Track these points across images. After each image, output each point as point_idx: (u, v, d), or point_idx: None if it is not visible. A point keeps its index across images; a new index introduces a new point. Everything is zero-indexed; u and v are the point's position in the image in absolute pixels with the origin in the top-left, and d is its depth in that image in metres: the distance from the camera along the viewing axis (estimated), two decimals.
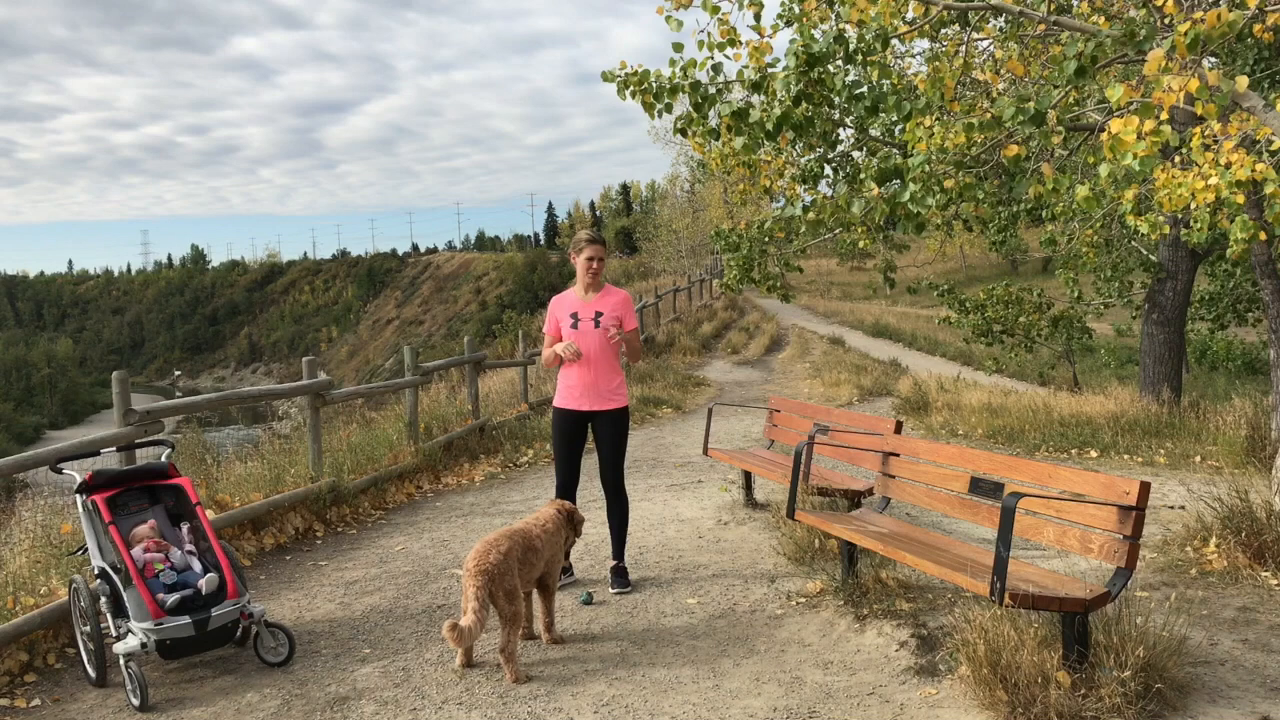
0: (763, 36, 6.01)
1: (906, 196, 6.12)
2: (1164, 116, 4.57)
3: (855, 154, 9.36)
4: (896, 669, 4.37)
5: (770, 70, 6.04)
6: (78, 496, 4.75)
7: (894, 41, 6.43)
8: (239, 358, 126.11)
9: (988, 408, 12.13)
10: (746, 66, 6.06)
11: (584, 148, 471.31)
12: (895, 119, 7.01)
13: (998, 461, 4.75)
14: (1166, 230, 6.60)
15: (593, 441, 5.81)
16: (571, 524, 5.19)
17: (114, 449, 5.39)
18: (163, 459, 5.28)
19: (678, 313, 29.40)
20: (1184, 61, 4.65)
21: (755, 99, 6.45)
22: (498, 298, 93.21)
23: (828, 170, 9.11)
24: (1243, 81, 4.57)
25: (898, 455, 5.49)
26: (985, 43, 8.39)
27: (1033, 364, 19.69)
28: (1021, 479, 4.51)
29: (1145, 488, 3.86)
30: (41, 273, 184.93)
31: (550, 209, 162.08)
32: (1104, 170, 5.02)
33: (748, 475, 7.88)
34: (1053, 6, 6.37)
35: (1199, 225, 6.17)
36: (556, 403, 5.81)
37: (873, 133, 8.40)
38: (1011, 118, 5.61)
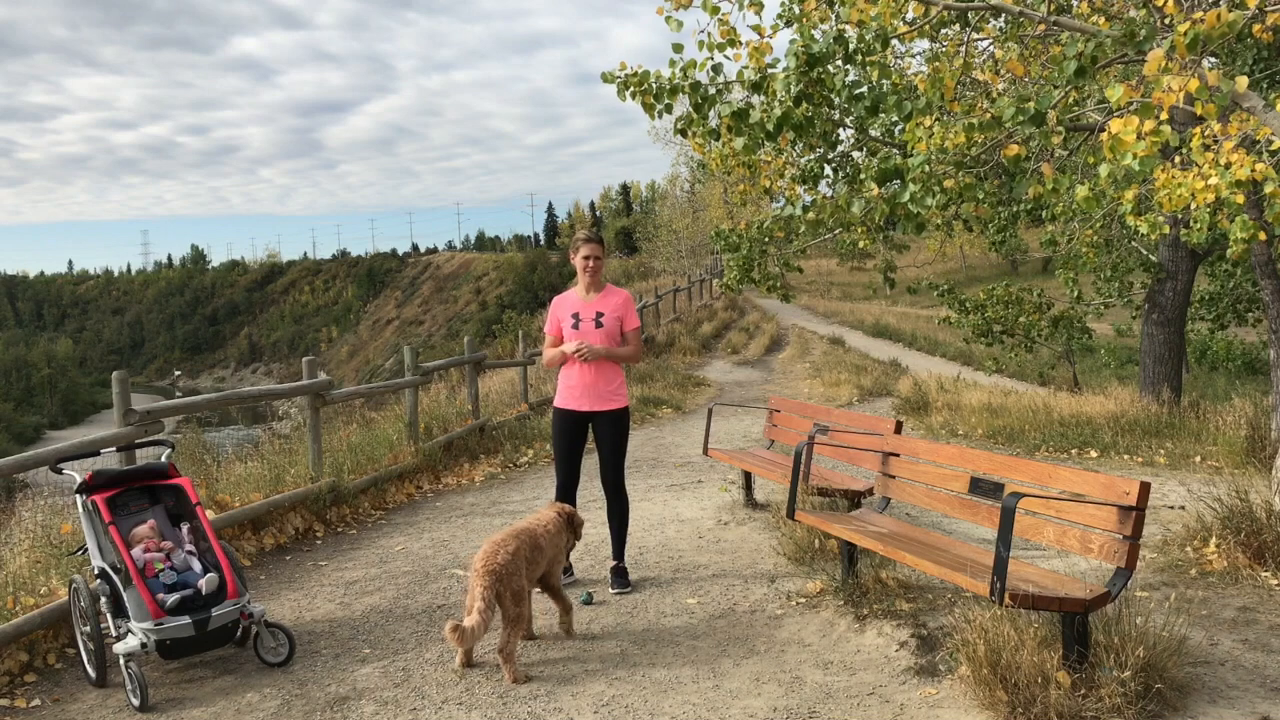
0: (763, 37, 6.01)
1: (906, 196, 6.11)
2: (1164, 116, 4.57)
3: (855, 154, 9.35)
4: (896, 669, 4.37)
5: (770, 70, 6.04)
6: (78, 496, 4.75)
7: (894, 42, 6.43)
8: (239, 358, 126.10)
9: (988, 408, 12.13)
10: (746, 67, 6.06)
11: (584, 148, 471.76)
12: (895, 119, 7.02)
13: (998, 461, 4.75)
14: (1166, 230, 6.60)
15: (593, 442, 5.81)
16: (571, 527, 5.19)
17: (114, 449, 5.39)
18: (163, 459, 5.28)
19: (678, 313, 29.40)
20: (1184, 61, 4.65)
21: (755, 99, 6.45)
22: (498, 298, 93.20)
23: (828, 170, 9.10)
24: (1243, 81, 4.57)
25: (898, 455, 5.49)
26: (985, 43, 8.39)
27: (1033, 364, 19.69)
28: (1021, 479, 4.51)
29: (1145, 488, 3.86)
30: (41, 273, 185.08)
31: (550, 209, 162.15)
32: (1104, 170, 5.02)
33: (748, 475, 7.88)
34: (1053, 6, 6.37)
35: (1199, 225, 6.17)
36: (556, 403, 5.81)
37: (873, 133, 8.39)
38: (1011, 118, 5.61)
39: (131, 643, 4.33)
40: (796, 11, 6.63)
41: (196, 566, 4.72)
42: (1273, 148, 5.20)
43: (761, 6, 6.00)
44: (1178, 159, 5.96)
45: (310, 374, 8.06)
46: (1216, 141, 4.95)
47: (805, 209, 8.16)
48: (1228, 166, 4.73)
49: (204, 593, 4.52)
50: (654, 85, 6.19)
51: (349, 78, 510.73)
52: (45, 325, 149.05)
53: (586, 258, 5.67)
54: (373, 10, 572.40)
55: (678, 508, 7.93)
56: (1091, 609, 3.83)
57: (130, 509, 4.86)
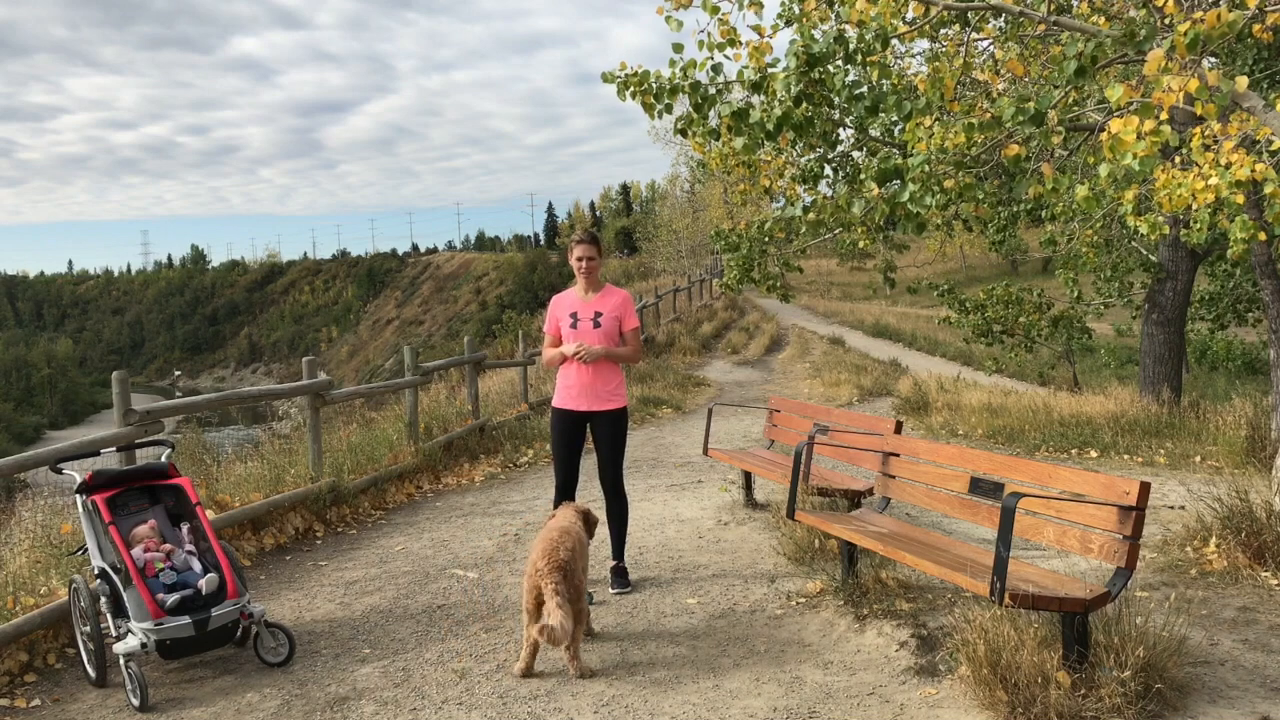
0: (763, 37, 6.00)
1: (906, 196, 6.11)
2: (1164, 116, 4.57)
3: (855, 154, 9.35)
4: (896, 669, 4.37)
5: (770, 70, 6.04)
6: (78, 496, 4.75)
7: (894, 42, 6.43)
8: (239, 358, 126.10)
9: (988, 408, 12.13)
10: (746, 67, 6.06)
11: (584, 148, 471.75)
12: (895, 119, 7.01)
13: (998, 461, 4.75)
14: (1166, 230, 6.60)
15: (592, 442, 5.81)
16: (587, 525, 5.17)
17: (114, 449, 5.39)
18: (163, 459, 5.28)
19: (678, 313, 29.40)
20: (1184, 61, 4.65)
21: (755, 99, 6.45)
22: (498, 298, 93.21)
23: (828, 170, 9.10)
24: (1243, 81, 4.56)
25: (898, 455, 5.49)
26: (985, 43, 8.38)
27: (1033, 364, 19.69)
28: (1021, 479, 4.51)
29: (1145, 488, 3.86)
30: (41, 273, 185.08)
31: (550, 209, 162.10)
32: (1104, 170, 5.02)
33: (748, 475, 7.88)
34: (1053, 6, 6.37)
35: (1199, 225, 6.17)
36: (555, 403, 5.81)
37: (873, 133, 8.39)
38: (1011, 118, 5.60)
39: (131, 643, 4.33)
40: (796, 11, 6.62)
41: (196, 566, 4.72)
42: (1273, 148, 5.20)
43: (761, 6, 6.00)
44: (1178, 159, 5.96)
45: (310, 374, 8.06)
46: (1216, 141, 4.95)
47: (805, 209, 8.16)
48: (1228, 166, 4.73)
49: (204, 593, 4.52)
50: (654, 85, 6.18)
51: (349, 78, 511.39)
52: (45, 325, 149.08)
53: (580, 259, 5.67)
54: (373, 10, 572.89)
55: (678, 508, 7.93)
56: (1091, 609, 3.83)
57: (130, 509, 4.86)
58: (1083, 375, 19.20)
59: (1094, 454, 9.64)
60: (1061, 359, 18.20)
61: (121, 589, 4.44)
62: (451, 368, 12.37)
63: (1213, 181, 4.71)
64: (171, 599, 4.42)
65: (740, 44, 6.00)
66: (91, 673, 4.59)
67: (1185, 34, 4.57)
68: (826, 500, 6.51)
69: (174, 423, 13.96)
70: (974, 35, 7.56)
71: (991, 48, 8.20)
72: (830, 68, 5.86)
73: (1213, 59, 8.74)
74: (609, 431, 5.70)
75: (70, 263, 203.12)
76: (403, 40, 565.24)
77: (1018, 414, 11.47)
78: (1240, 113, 5.18)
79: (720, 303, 34.73)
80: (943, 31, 7.96)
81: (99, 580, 4.58)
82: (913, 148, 5.99)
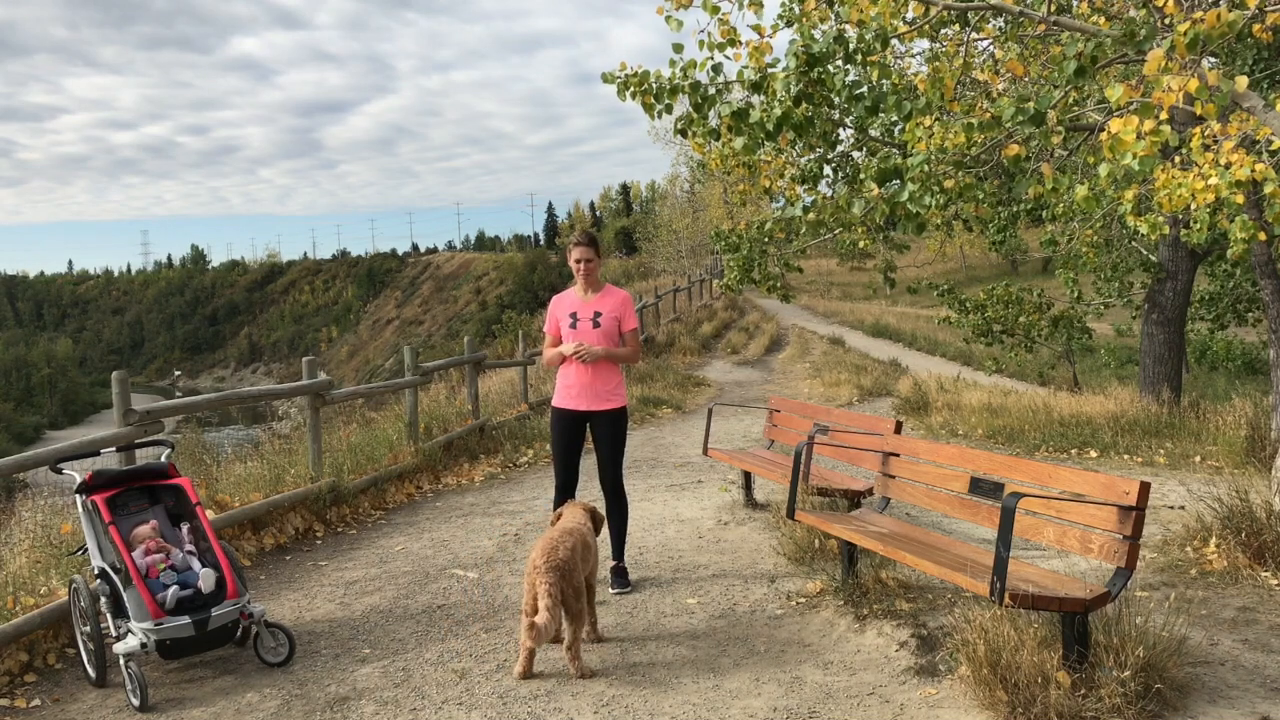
0: (763, 36, 6.00)
1: (906, 196, 6.11)
2: (1164, 116, 4.57)
3: (855, 154, 9.35)
4: (896, 669, 4.37)
5: (770, 70, 6.04)
6: (78, 496, 4.75)
7: (894, 42, 6.43)
8: (239, 358, 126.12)
9: (988, 408, 12.13)
10: (746, 67, 6.06)
11: (584, 148, 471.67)
12: (895, 119, 7.01)
13: (998, 461, 4.75)
14: (1166, 230, 6.60)
15: (592, 442, 5.81)
16: (594, 523, 5.16)
17: (114, 449, 5.39)
18: (163, 459, 5.28)
19: (678, 313, 29.39)
20: (1184, 61, 4.65)
21: (755, 99, 6.45)
22: (498, 298, 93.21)
23: (828, 170, 9.10)
24: (1242, 81, 4.56)
25: (898, 455, 5.49)
26: (985, 43, 8.38)
27: (1033, 364, 19.70)
28: (1021, 479, 4.51)
29: (1145, 488, 3.86)
30: (41, 273, 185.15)
31: (550, 209, 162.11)
32: (1104, 170, 5.02)
33: (748, 475, 7.88)
34: (1053, 6, 6.37)
35: (1199, 225, 6.17)
36: (554, 403, 5.81)
37: (873, 133, 8.39)
38: (1011, 118, 5.60)
39: (131, 643, 4.33)
40: (796, 11, 6.62)
41: (196, 566, 4.72)
42: (1273, 148, 5.20)
43: (761, 6, 6.00)
44: (1178, 159, 5.96)
45: (310, 374, 8.06)
46: (1216, 141, 4.95)
47: (805, 209, 8.16)
48: (1228, 166, 4.73)
49: (203, 591, 4.52)
50: (654, 85, 6.18)
51: (348, 78, 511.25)
52: (45, 325, 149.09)
53: (579, 260, 5.68)
54: (372, 10, 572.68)
55: (678, 508, 7.93)
56: (1091, 609, 3.83)
57: (130, 509, 4.86)
58: (1083, 375, 19.20)
59: (1094, 454, 9.64)
60: (1061, 359, 18.20)
61: (121, 589, 4.44)
62: (451, 368, 12.37)
63: (1212, 181, 4.71)
64: (170, 592, 4.42)
65: (740, 44, 6.00)
66: (91, 673, 4.59)
67: (1185, 34, 4.57)
68: (826, 500, 6.51)
69: (174, 423, 13.96)
70: (974, 35, 7.55)
71: (991, 48, 8.20)
72: (830, 68, 5.86)
73: (1213, 59, 8.74)
74: (609, 431, 5.70)
75: (70, 263, 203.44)
76: (402, 40, 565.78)
77: (1018, 414, 11.47)
78: (1240, 113, 5.18)
79: (720, 303, 34.73)
80: (943, 31, 7.95)
81: (99, 580, 4.58)
82: (912, 148, 5.99)
